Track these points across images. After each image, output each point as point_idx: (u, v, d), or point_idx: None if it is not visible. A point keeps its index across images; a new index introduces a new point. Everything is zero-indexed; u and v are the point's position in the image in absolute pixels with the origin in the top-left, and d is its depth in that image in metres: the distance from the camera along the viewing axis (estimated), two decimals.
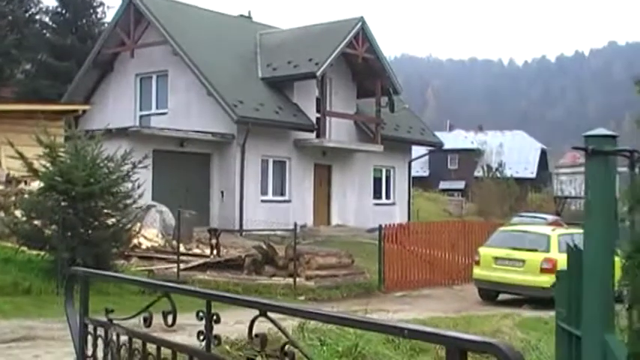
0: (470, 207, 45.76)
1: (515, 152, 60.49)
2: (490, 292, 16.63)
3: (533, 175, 61.88)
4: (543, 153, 68.04)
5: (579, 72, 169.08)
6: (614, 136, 3.70)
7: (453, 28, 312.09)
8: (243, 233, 22.72)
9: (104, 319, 3.54)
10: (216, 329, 2.92)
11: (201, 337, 2.95)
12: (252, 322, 2.68)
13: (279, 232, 20.96)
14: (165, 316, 3.10)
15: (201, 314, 2.98)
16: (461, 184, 58.68)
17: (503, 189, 46.21)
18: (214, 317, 2.95)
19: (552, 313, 13.73)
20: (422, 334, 2.19)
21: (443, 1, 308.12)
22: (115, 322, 3.52)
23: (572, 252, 4.18)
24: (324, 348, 7.38)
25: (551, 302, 14.71)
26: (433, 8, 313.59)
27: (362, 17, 28.19)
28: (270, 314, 2.63)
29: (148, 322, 3.25)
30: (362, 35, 27.88)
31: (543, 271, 15.38)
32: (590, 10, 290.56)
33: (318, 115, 27.25)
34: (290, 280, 15.89)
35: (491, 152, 58.81)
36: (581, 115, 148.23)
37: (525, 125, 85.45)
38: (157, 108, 27.11)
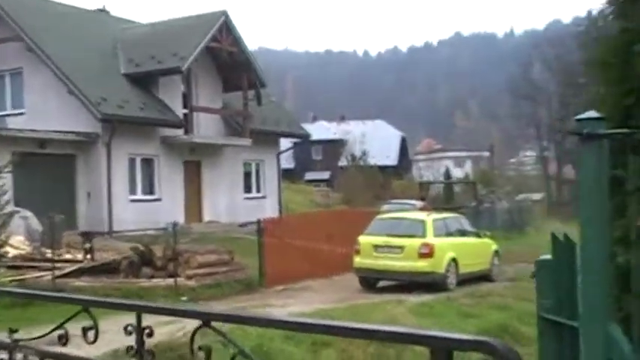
0: (336, 196, 46.41)
1: (377, 141, 61.91)
2: (370, 280, 16.90)
3: (395, 163, 63.70)
4: (403, 141, 70.15)
5: (429, 62, 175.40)
6: (604, 118, 3.65)
7: (308, 21, 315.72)
8: (114, 235, 21.92)
9: (6, 340, 3.17)
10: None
11: (132, 353, 2.70)
12: (194, 333, 2.47)
13: (150, 232, 20.43)
14: (85, 332, 2.80)
15: (130, 328, 2.74)
16: (326, 175, 59.50)
17: (367, 177, 47.19)
18: (147, 331, 2.71)
19: (433, 297, 14.19)
20: (401, 337, 2.06)
21: None
22: (21, 342, 3.18)
23: (559, 240, 4.11)
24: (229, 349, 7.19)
25: (431, 286, 15.21)
26: (287, 1, 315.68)
27: (225, 11, 27.88)
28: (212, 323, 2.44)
29: (64, 340, 2.96)
30: (226, 29, 27.57)
31: (421, 256, 15.84)
32: (437, 2, 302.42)
33: (185, 111, 26.74)
34: (170, 281, 15.47)
35: (354, 142, 59.91)
36: (433, 104, 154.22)
37: (382, 114, 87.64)
38: (12, 108, 25.60)
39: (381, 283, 17.04)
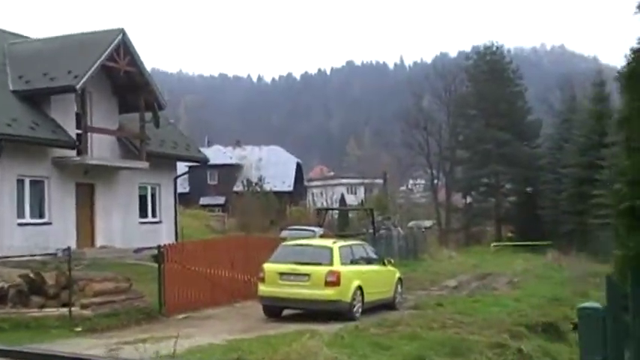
0: (232, 222, 45.84)
1: (273, 166, 61.80)
2: (275, 309, 16.49)
3: (291, 189, 63.67)
4: (299, 167, 70.28)
5: (323, 89, 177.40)
6: None
7: (202, 44, 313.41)
8: None
9: None
10: None
11: None
12: None
13: (38, 258, 19.35)
14: None
15: None
16: (221, 200, 58.73)
17: (263, 203, 46.92)
18: None
19: (341, 326, 13.91)
20: None
21: (188, 16, 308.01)
22: None
23: (614, 283, 3.47)
24: None
25: (337, 315, 14.91)
26: (181, 23, 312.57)
27: (122, 29, 26.98)
28: None
29: None
30: (123, 48, 26.67)
31: (328, 284, 15.58)
32: (330, 31, 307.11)
33: (79, 131, 25.61)
34: (65, 311, 14.57)
35: (250, 167, 59.54)
36: (326, 131, 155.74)
37: (276, 140, 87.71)
38: None
39: (285, 312, 16.66)
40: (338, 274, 15.64)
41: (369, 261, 17.75)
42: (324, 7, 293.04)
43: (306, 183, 78.90)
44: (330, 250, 16.23)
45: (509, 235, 59.11)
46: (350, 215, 55.28)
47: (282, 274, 15.99)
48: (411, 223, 52.63)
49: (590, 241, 37.17)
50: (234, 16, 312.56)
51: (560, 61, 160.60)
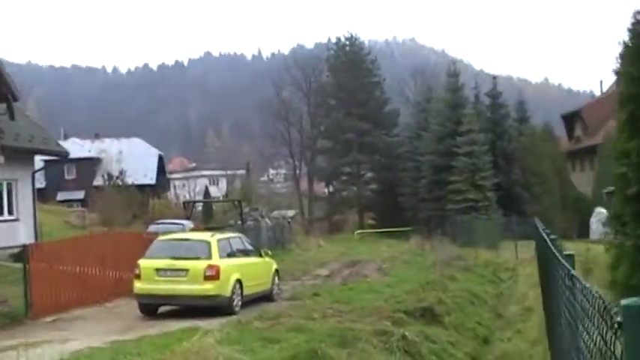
0: (93, 217, 44.12)
1: (134, 159, 59.97)
2: (151, 306, 15.97)
3: (153, 182, 62.08)
4: (161, 159, 68.70)
5: (180, 80, 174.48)
6: None
7: (51, 34, 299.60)
8: None
9: None
10: None
11: None
12: None
13: None
14: None
15: None
16: (80, 194, 56.39)
17: (125, 197, 45.50)
18: None
19: (224, 322, 13.65)
20: None
21: (36, 4, 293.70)
22: None
23: None
24: None
25: (215, 310, 14.63)
26: (29, 12, 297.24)
27: None
28: None
29: None
30: None
31: (207, 278, 15.26)
32: (187, 21, 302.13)
33: None
34: None
35: (110, 160, 57.51)
36: (185, 123, 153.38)
37: (134, 133, 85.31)
38: None
39: (162, 309, 16.19)
40: (217, 268, 15.36)
41: (246, 253, 17.56)
42: None
43: (168, 175, 77.33)
44: (208, 243, 15.90)
45: (370, 222, 60.57)
46: (214, 207, 54.71)
47: (158, 269, 15.51)
48: (274, 213, 52.74)
49: (450, 225, 38.68)
50: (86, 4, 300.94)
51: (411, 54, 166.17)
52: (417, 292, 17.25)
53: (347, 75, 59.20)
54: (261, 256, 18.30)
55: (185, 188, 78.14)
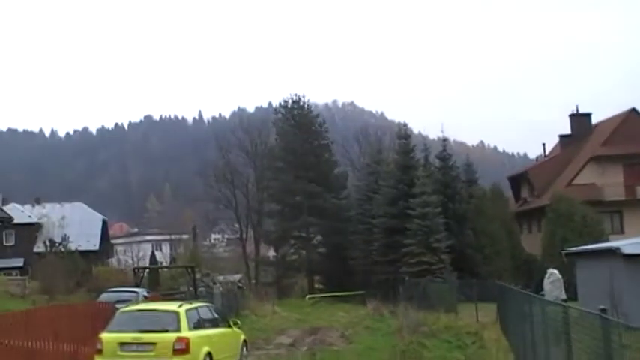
0: (34, 285, 42.15)
1: (77, 225, 58.03)
2: None
3: (97, 247, 60.09)
4: (104, 224, 66.78)
5: (121, 144, 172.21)
6: None
7: None
8: None
9: None
10: None
11: None
12: None
13: None
14: None
15: None
16: (20, 262, 54.10)
17: (68, 264, 43.76)
18: None
19: None
20: None
21: None
22: None
23: None
24: None
25: None
26: None
27: None
28: None
29: None
30: None
31: (177, 352, 14.19)
32: (127, 85, 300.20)
33: None
34: None
35: (52, 225, 55.51)
36: (125, 187, 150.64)
37: (73, 198, 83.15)
38: None
39: None
40: (187, 341, 14.33)
41: (215, 323, 16.55)
42: (118, 59, 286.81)
43: (110, 241, 75.18)
44: (177, 314, 14.88)
45: (318, 286, 59.59)
46: (160, 273, 53.12)
47: (122, 343, 14.37)
48: (219, 278, 51.47)
49: (406, 289, 38.09)
50: (21, 65, 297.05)
51: (352, 117, 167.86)
52: None
53: (295, 138, 58.97)
54: (229, 325, 17.33)
55: (127, 254, 76.00)
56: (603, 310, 6.10)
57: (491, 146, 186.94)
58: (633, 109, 53.24)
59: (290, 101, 61.78)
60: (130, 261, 68.86)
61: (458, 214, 48.48)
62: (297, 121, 60.07)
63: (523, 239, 51.07)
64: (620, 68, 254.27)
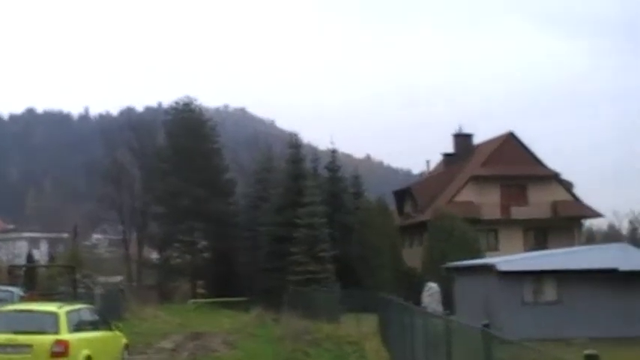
0: None
1: None
2: None
3: None
4: None
5: (0, 136, 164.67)
6: None
7: None
8: None
9: None
10: None
11: None
12: None
13: None
14: None
15: None
16: None
17: None
18: None
19: None
20: None
21: None
22: None
23: None
24: None
25: None
26: None
27: None
28: None
29: None
30: None
31: (54, 355, 13.75)
32: (8, 75, 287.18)
33: None
34: None
35: None
36: (4, 181, 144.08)
37: None
38: None
39: None
40: (66, 344, 13.92)
41: (96, 326, 16.15)
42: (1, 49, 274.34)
43: None
44: (56, 315, 14.43)
45: (201, 291, 59.06)
46: (39, 272, 51.16)
47: None
48: (99, 279, 50.16)
49: (291, 297, 38.34)
50: None
51: (242, 123, 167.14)
52: None
53: (185, 140, 58.28)
54: (111, 329, 16.96)
55: (2, 251, 72.72)
56: (486, 326, 6.46)
57: (378, 160, 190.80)
58: (511, 133, 55.85)
59: (181, 103, 61.05)
60: (5, 258, 65.91)
61: (344, 225, 49.28)
62: (188, 124, 59.41)
63: (405, 253, 52.46)
64: (502, 91, 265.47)
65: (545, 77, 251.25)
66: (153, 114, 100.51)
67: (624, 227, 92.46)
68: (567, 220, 53.42)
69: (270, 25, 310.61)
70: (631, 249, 31.79)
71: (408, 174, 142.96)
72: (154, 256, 68.54)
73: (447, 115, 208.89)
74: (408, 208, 60.61)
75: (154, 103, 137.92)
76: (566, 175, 56.26)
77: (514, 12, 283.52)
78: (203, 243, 60.73)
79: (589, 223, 67.96)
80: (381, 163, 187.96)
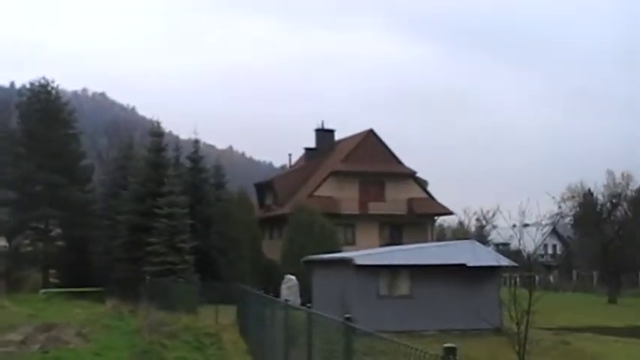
0: None
1: None
2: None
3: None
4: None
5: None
6: None
7: None
8: None
9: None
10: None
11: None
12: None
13: None
14: None
15: None
16: None
17: None
18: None
19: None
20: None
21: None
22: None
23: None
24: None
25: None
26: None
27: None
28: None
29: None
30: None
31: None
32: None
33: None
34: None
35: None
36: None
37: None
38: None
39: None
40: None
41: None
42: None
43: None
44: None
45: (54, 280, 56.95)
46: None
47: None
48: None
49: (148, 288, 37.76)
50: None
51: (102, 109, 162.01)
52: None
53: (40, 124, 55.79)
54: None
55: None
56: (348, 319, 6.82)
57: (240, 152, 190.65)
58: (371, 131, 57.58)
59: (37, 84, 58.43)
60: None
61: (205, 216, 49.06)
62: (44, 107, 56.86)
63: (265, 245, 52.94)
64: (364, 88, 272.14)
65: (407, 80, 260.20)
66: (5, 94, 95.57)
67: (473, 224, 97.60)
68: (421, 216, 55.76)
69: (132, 5, 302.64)
70: (478, 245, 33.73)
71: (270, 167, 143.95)
72: (2, 243, 65.25)
73: (310, 111, 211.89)
74: (269, 200, 61.15)
75: (6, 83, 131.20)
76: (421, 174, 58.76)
77: (378, 15, 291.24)
78: (57, 231, 58.45)
79: (441, 220, 71.37)
80: (243, 155, 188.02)
